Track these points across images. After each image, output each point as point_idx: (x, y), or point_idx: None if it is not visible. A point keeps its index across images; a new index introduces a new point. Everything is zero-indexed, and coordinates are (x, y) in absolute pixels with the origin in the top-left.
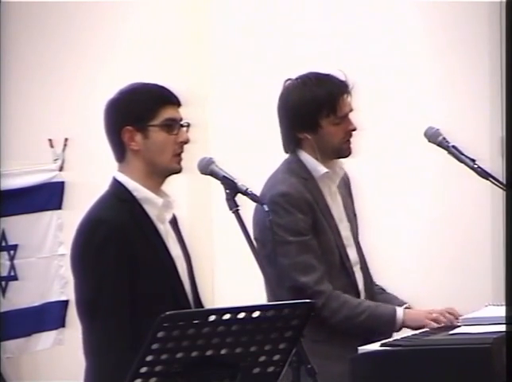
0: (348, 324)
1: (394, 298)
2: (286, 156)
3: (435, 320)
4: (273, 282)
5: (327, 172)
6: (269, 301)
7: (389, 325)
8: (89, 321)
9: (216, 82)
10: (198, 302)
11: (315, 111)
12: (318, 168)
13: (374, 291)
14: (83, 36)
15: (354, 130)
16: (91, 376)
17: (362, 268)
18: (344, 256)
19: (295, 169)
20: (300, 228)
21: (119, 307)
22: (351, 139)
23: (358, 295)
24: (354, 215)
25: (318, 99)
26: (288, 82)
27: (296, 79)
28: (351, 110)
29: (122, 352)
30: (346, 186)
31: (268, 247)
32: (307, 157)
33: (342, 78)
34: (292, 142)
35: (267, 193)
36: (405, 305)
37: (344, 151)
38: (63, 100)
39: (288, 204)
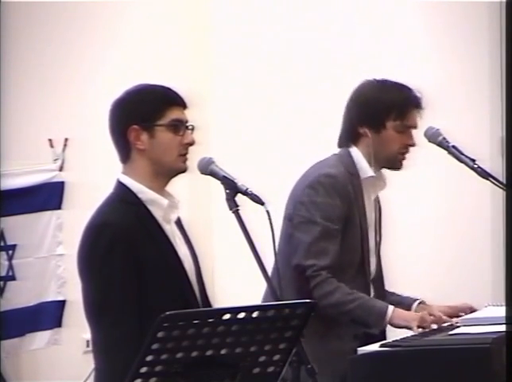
0: (338, 309)
1: (406, 296)
2: (287, 156)
3: (421, 320)
4: (280, 263)
5: (372, 176)
6: (265, 299)
7: (378, 318)
8: (97, 323)
9: (217, 83)
10: (206, 301)
11: (385, 110)
12: (366, 169)
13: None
14: (83, 36)
15: (413, 145)
16: (100, 376)
17: (374, 281)
18: (366, 260)
19: (345, 161)
20: (332, 214)
21: (127, 309)
22: (407, 155)
23: None
24: (380, 234)
25: (391, 100)
26: (366, 80)
27: (376, 80)
28: (416, 127)
29: (131, 352)
30: (377, 205)
31: (296, 221)
32: (358, 156)
33: (419, 95)
34: (350, 137)
35: (313, 173)
36: (418, 300)
37: (396, 163)
38: (63, 100)
39: (332, 188)
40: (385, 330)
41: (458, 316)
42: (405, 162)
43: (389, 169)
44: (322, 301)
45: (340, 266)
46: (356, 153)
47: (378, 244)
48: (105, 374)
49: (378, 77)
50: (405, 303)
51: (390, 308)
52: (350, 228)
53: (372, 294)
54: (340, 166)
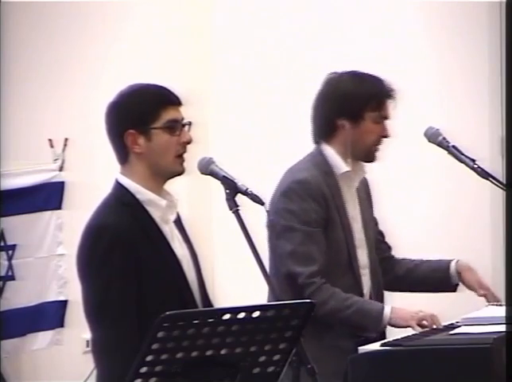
0: (335, 316)
1: (439, 260)
2: (287, 155)
3: (420, 320)
4: (274, 270)
5: (348, 171)
6: (269, 300)
7: (376, 321)
8: (97, 324)
9: (217, 81)
10: (206, 300)
11: (364, 100)
12: (340, 165)
13: (382, 297)
14: (83, 36)
15: (387, 136)
16: (101, 377)
17: (371, 272)
18: (353, 256)
19: (318, 161)
20: (310, 218)
21: (126, 310)
22: (380, 147)
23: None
24: (372, 220)
25: (370, 90)
26: (334, 74)
27: (346, 72)
28: (390, 117)
29: (130, 353)
30: (366, 191)
31: (277, 230)
32: (331, 153)
33: (391, 85)
34: (326, 131)
35: (287, 180)
36: (454, 261)
37: (371, 155)
38: (63, 100)
39: (305, 192)
40: (385, 332)
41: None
42: (405, 162)
43: (364, 161)
44: (318, 310)
45: (327, 266)
46: (328, 151)
47: (371, 235)
48: (105, 374)
49: (346, 70)
50: (441, 267)
51: (387, 309)
52: (331, 228)
53: (366, 290)
54: (312, 168)
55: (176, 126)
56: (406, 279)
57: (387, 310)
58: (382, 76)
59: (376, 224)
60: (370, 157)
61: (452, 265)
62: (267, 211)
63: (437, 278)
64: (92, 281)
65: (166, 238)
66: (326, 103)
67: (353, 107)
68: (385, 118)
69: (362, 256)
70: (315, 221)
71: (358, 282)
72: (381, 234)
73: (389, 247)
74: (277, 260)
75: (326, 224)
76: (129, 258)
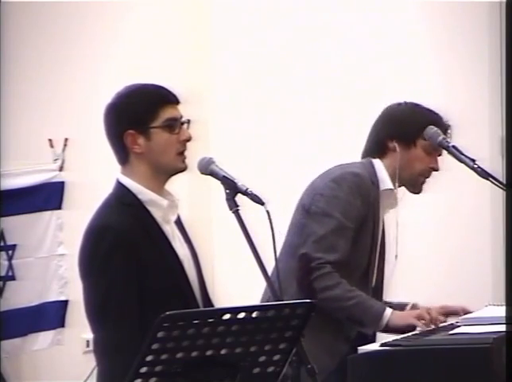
0: (336, 304)
1: (398, 303)
2: (287, 155)
3: (419, 316)
4: (284, 249)
5: (391, 189)
6: (264, 298)
7: (375, 318)
8: (99, 324)
9: (217, 80)
10: (207, 300)
11: (418, 127)
12: (386, 181)
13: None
14: (83, 36)
15: (437, 170)
16: (102, 377)
17: (373, 291)
18: (371, 268)
19: (368, 170)
20: (351, 212)
21: (128, 310)
22: (427, 180)
23: None
24: (384, 250)
25: (425, 120)
26: (396, 103)
27: (409, 102)
28: (441, 154)
29: (131, 353)
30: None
31: (313, 211)
32: (381, 167)
33: (448, 121)
34: (377, 149)
35: (339, 170)
36: (411, 303)
37: (417, 185)
38: (63, 100)
39: (355, 186)
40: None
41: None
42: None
43: (408, 190)
44: (321, 294)
45: (348, 267)
46: (379, 164)
47: (381, 259)
48: (106, 375)
49: (408, 101)
50: (398, 306)
51: (388, 311)
52: (363, 232)
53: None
54: (365, 171)
55: (175, 125)
56: None
57: (388, 311)
58: (441, 112)
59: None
60: (415, 187)
61: (408, 308)
62: (304, 194)
63: None
64: (94, 281)
65: (168, 238)
66: (382, 125)
67: (406, 131)
68: (437, 150)
69: (375, 274)
70: (354, 217)
71: (369, 293)
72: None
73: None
74: (299, 241)
75: (361, 225)
76: (131, 258)
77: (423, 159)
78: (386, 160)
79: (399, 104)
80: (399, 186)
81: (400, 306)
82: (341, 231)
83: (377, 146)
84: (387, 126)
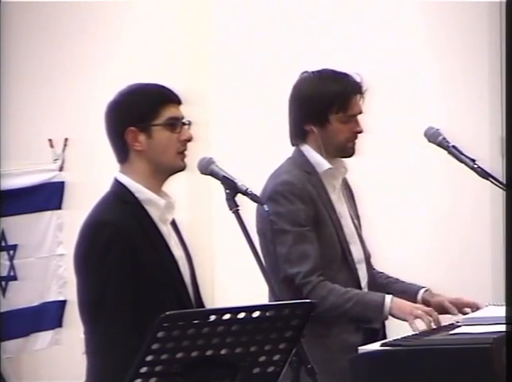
0: (336, 311)
1: (411, 283)
2: (287, 155)
3: (418, 317)
4: (271, 276)
5: (330, 168)
6: (270, 300)
7: (377, 311)
8: (92, 322)
9: (218, 80)
10: (200, 302)
11: (326, 105)
12: (321, 163)
13: (378, 288)
14: (83, 36)
15: (360, 132)
16: (93, 376)
17: (366, 264)
18: (346, 251)
19: (299, 162)
20: (299, 218)
21: (123, 308)
22: (356, 141)
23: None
24: (358, 216)
25: (331, 94)
26: (305, 74)
27: (313, 72)
28: (361, 112)
29: (125, 352)
30: (347, 189)
31: (268, 237)
32: (311, 152)
33: (358, 79)
34: (298, 135)
35: (270, 184)
36: (424, 289)
37: (348, 151)
38: (63, 100)
39: (290, 194)
40: (385, 325)
41: (463, 309)
42: (405, 162)
43: (341, 157)
44: (318, 307)
45: (323, 263)
46: (308, 150)
47: (359, 231)
48: (98, 372)
49: (315, 69)
50: (410, 291)
51: (388, 298)
52: (321, 226)
53: (364, 283)
54: (294, 169)
55: (176, 124)
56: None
57: (387, 300)
58: (350, 72)
59: (359, 219)
60: (345, 153)
61: (420, 293)
62: (256, 218)
63: (404, 299)
64: (89, 277)
65: (164, 237)
66: (292, 108)
67: (316, 111)
68: (355, 115)
69: (356, 251)
70: (304, 220)
71: (355, 275)
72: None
73: (368, 254)
74: (273, 265)
75: (315, 221)
76: (127, 256)
77: (342, 130)
78: (311, 142)
79: (307, 77)
80: (332, 158)
81: (413, 289)
82: (301, 239)
83: (297, 132)
84: (298, 109)
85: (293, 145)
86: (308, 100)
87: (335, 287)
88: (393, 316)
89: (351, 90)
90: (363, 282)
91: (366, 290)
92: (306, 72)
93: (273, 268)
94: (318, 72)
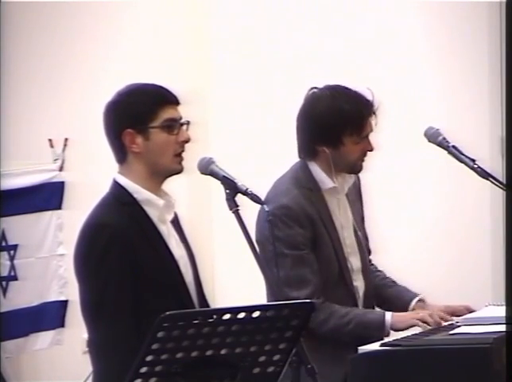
0: (337, 334)
1: (406, 290)
2: (287, 155)
3: (421, 319)
4: (270, 300)
5: (334, 187)
6: (269, 301)
7: (378, 330)
8: (94, 323)
9: (217, 81)
10: (203, 301)
11: (340, 127)
12: (325, 181)
13: (376, 295)
14: (83, 36)
15: (371, 150)
16: (97, 377)
17: (364, 274)
18: (344, 268)
19: (301, 178)
20: (297, 242)
21: (123, 309)
22: (365, 159)
23: (355, 305)
24: (362, 218)
25: (346, 117)
26: (315, 91)
27: (324, 89)
28: (372, 130)
29: (126, 353)
30: (355, 188)
31: (267, 252)
32: (316, 169)
33: (369, 97)
34: (308, 153)
35: (270, 201)
36: (418, 297)
37: (357, 168)
38: (63, 100)
39: (288, 218)
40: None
41: (456, 314)
42: (405, 162)
43: (350, 173)
44: (319, 331)
45: (321, 283)
46: (314, 166)
47: (362, 234)
48: (101, 373)
49: (330, 85)
50: (405, 299)
51: (388, 316)
52: (320, 246)
53: (361, 293)
54: (293, 189)
55: (174, 125)
56: None
57: (388, 317)
58: (362, 91)
59: (363, 221)
60: (354, 171)
61: (413, 303)
62: (256, 227)
63: (396, 305)
64: (89, 280)
65: (163, 238)
66: (305, 127)
67: (330, 134)
68: (367, 135)
69: (355, 262)
70: (302, 244)
71: (351, 290)
72: (366, 237)
73: (369, 251)
74: (273, 288)
75: (314, 243)
76: (127, 257)
77: (354, 150)
78: (321, 161)
79: (318, 94)
80: (340, 174)
81: (407, 297)
82: (299, 263)
83: (308, 150)
84: (309, 128)
85: (300, 158)
86: (321, 121)
87: (334, 310)
88: (396, 330)
89: (365, 112)
90: (360, 292)
91: (361, 301)
92: (316, 87)
93: (273, 291)
94: (329, 89)
